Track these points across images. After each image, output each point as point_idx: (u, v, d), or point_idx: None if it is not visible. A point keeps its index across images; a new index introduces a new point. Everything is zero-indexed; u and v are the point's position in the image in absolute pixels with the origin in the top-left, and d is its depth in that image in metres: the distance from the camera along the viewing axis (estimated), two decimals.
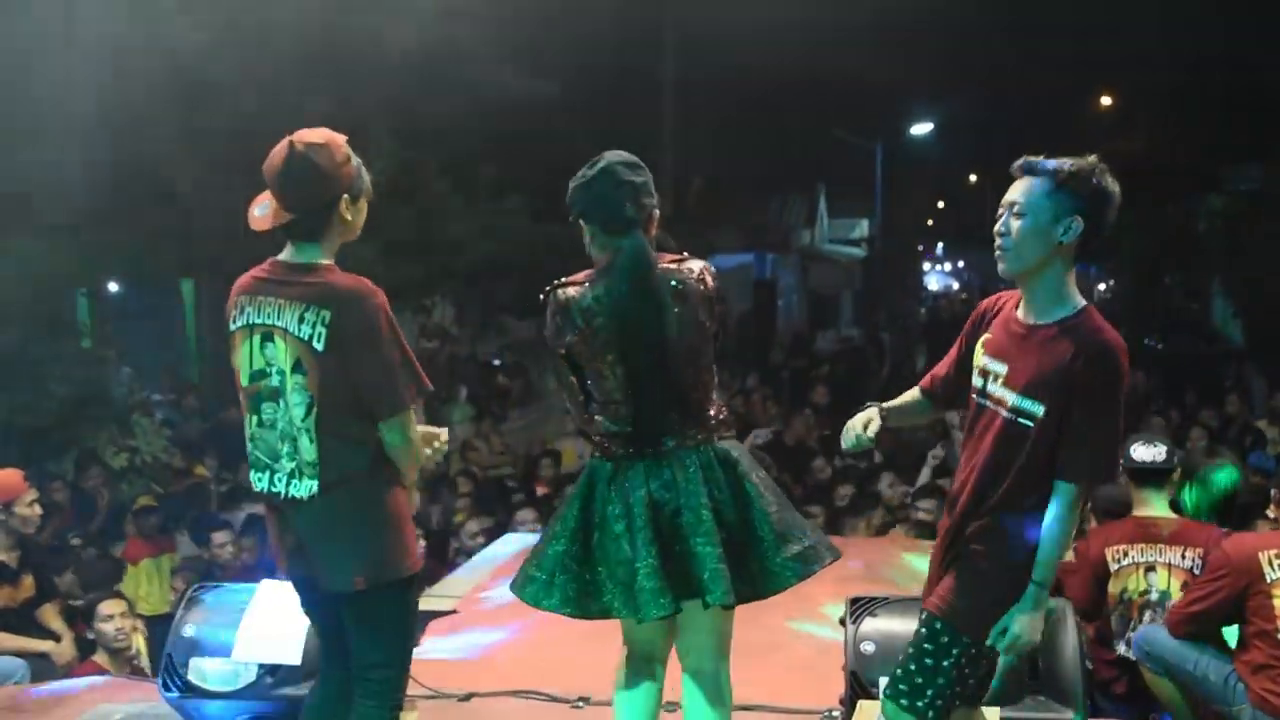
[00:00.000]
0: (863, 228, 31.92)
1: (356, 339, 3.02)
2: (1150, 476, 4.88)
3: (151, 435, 9.08)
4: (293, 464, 3.11)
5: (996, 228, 2.90)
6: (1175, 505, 5.03)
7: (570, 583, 3.05)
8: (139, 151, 11.26)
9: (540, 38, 13.19)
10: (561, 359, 3.11)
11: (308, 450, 3.09)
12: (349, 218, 3.17)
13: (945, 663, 2.91)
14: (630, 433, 3.03)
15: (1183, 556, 4.72)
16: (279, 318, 3.12)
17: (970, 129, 20.98)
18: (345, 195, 3.14)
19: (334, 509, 3.10)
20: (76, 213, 11.38)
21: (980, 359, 3.01)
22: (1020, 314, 2.95)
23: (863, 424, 3.20)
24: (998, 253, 2.90)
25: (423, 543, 7.14)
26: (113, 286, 14.74)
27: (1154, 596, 4.74)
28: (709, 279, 3.08)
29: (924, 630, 2.98)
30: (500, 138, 12.84)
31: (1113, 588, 4.83)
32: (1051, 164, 2.84)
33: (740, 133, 19.80)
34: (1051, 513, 2.82)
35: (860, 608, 4.10)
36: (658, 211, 3.13)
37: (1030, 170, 2.87)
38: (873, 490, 8.25)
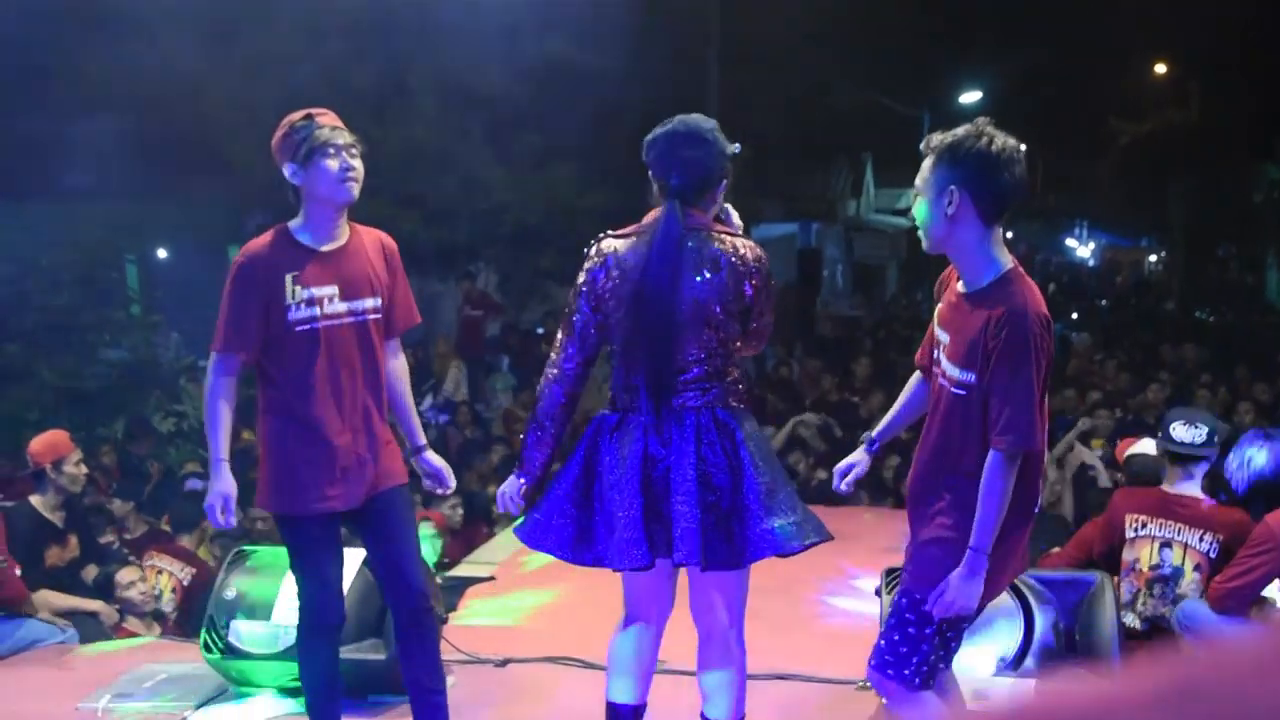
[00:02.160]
0: (909, 198, 31.60)
1: None
2: (1186, 457, 4.82)
3: (198, 401, 9.16)
4: None
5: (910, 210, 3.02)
6: (1212, 483, 4.95)
7: (567, 527, 3.10)
8: (190, 120, 11.39)
9: (586, 6, 13.13)
10: (587, 303, 3.14)
11: None
12: (296, 181, 3.38)
13: (927, 630, 2.91)
14: (638, 387, 3.08)
15: (1201, 539, 4.64)
16: None
17: (1019, 98, 20.64)
18: (288, 164, 3.38)
19: None
20: (126, 181, 11.54)
21: (935, 330, 3.06)
22: (958, 285, 2.97)
23: (841, 475, 3.31)
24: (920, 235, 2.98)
25: (460, 511, 7.21)
26: (161, 253, 14.94)
27: (1166, 571, 4.67)
28: (750, 255, 3.09)
29: (904, 601, 2.98)
30: (545, 106, 12.82)
31: (1126, 554, 4.78)
32: (934, 138, 2.90)
33: (786, 101, 19.62)
34: (984, 479, 2.80)
35: (895, 578, 4.09)
36: (727, 181, 3.18)
37: (925, 149, 2.93)
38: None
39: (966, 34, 19.89)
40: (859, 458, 3.34)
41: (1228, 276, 25.47)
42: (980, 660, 3.99)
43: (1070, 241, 39.75)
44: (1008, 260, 2.88)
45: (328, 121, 3.38)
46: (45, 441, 5.68)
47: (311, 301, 3.33)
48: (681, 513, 2.96)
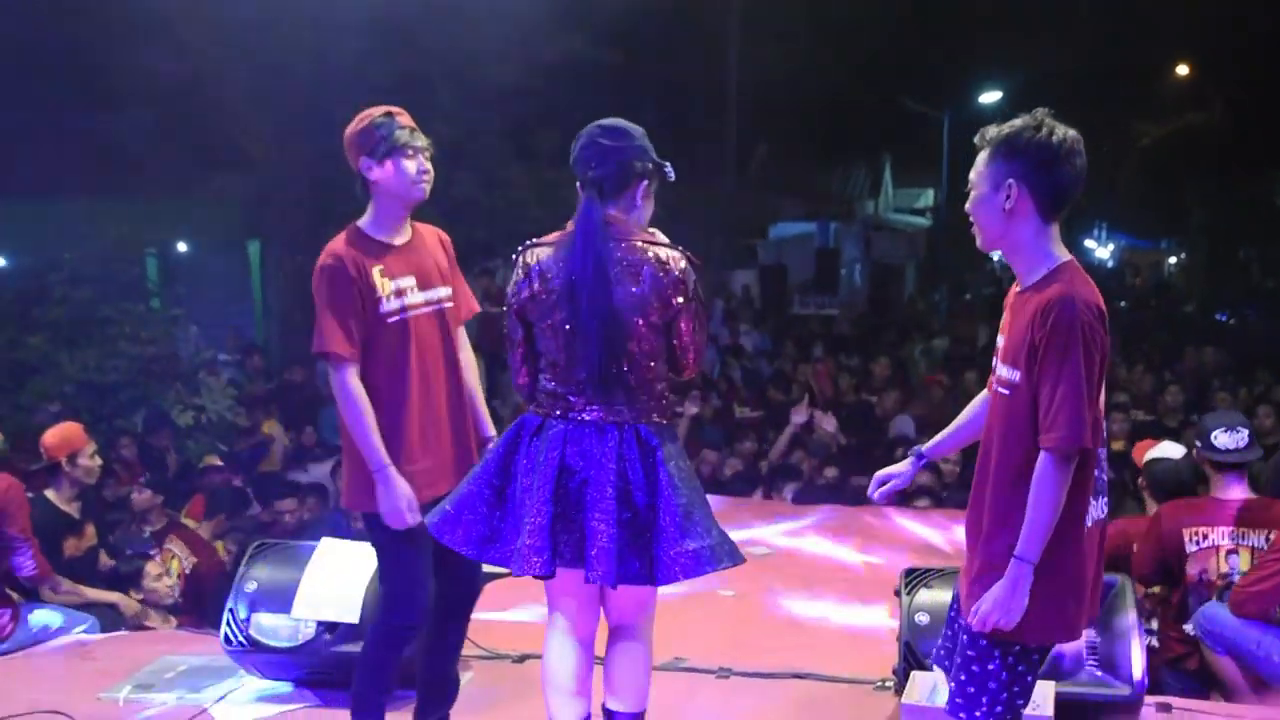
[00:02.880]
0: (928, 197, 31.54)
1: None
2: (1231, 464, 4.78)
3: (218, 394, 9.21)
4: None
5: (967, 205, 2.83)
6: (1254, 483, 4.93)
7: (476, 524, 3.06)
8: (209, 116, 11.44)
9: (608, 4, 13.13)
10: (515, 317, 3.12)
11: None
12: (373, 176, 3.40)
13: (991, 665, 2.72)
14: (562, 395, 3.03)
15: (1266, 539, 4.60)
16: None
17: (1039, 99, 20.48)
18: (364, 157, 3.39)
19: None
20: (147, 176, 11.61)
21: (998, 340, 2.90)
22: (1016, 287, 2.83)
23: (879, 484, 3.17)
24: (974, 231, 2.83)
25: None
26: (181, 247, 15.00)
27: (1236, 579, 4.63)
28: (674, 267, 3.00)
29: (964, 638, 2.78)
30: (563, 103, 12.82)
31: (1190, 569, 4.72)
32: (992, 131, 2.74)
33: (806, 100, 19.58)
34: (1033, 484, 2.60)
35: (915, 579, 4.09)
36: (647, 183, 3.11)
37: (981, 141, 2.77)
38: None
39: (987, 34, 19.80)
40: (902, 469, 3.17)
41: (1248, 279, 25.30)
42: None
43: (1089, 243, 39.63)
44: (1064, 254, 2.72)
45: (406, 122, 3.44)
46: (60, 435, 5.70)
47: (399, 293, 3.40)
48: (597, 529, 2.91)
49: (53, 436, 5.70)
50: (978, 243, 2.82)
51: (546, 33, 11.78)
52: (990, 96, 24.12)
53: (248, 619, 4.17)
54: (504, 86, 12.05)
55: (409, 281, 3.43)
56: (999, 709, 2.72)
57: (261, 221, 13.36)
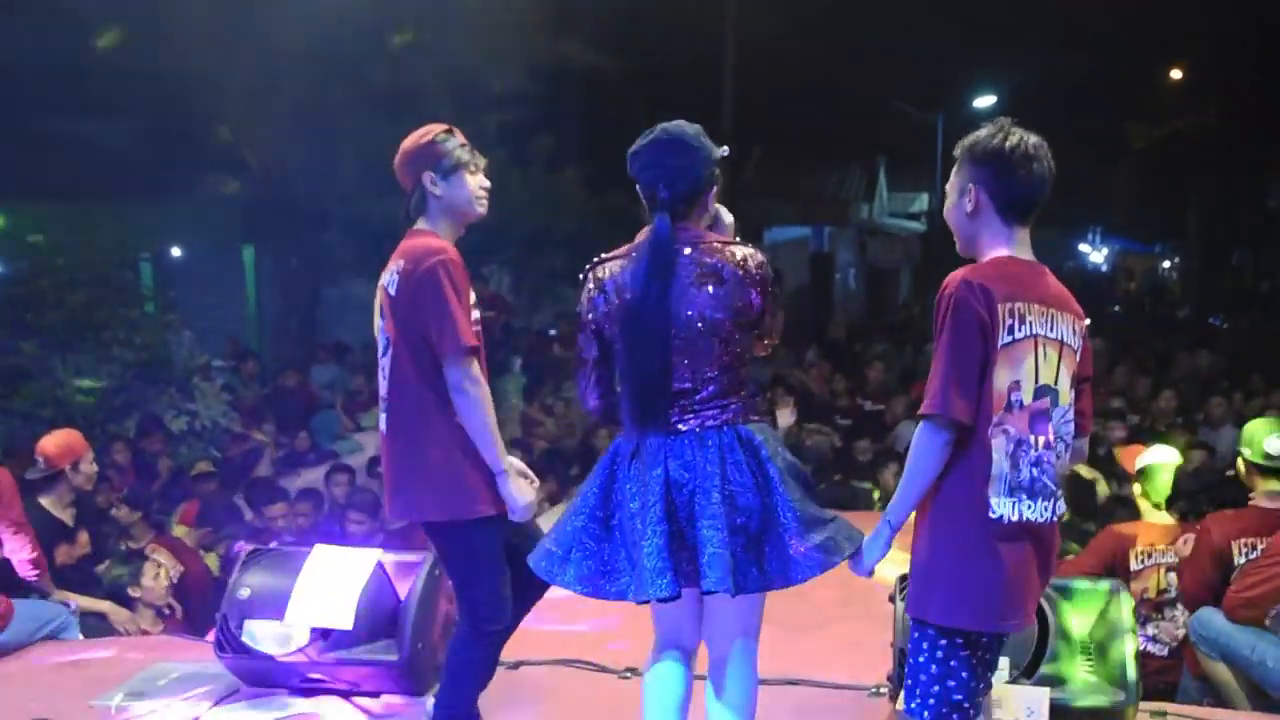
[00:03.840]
0: (923, 201, 31.51)
1: (416, 287, 3.33)
2: (1272, 470, 4.68)
3: (211, 400, 9.21)
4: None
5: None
6: None
7: (585, 560, 2.98)
8: (205, 121, 11.44)
9: (601, 9, 13.15)
10: (592, 334, 3.08)
11: (381, 387, 3.47)
12: (437, 191, 3.43)
13: (921, 659, 2.78)
14: (650, 410, 2.96)
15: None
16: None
17: (1034, 103, 20.57)
18: (429, 172, 3.42)
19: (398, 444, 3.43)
20: (141, 180, 11.60)
21: None
22: None
23: None
24: None
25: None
26: (176, 252, 14.98)
27: None
28: (752, 264, 2.98)
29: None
30: (558, 109, 12.84)
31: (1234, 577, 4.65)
32: (961, 140, 2.86)
33: (800, 104, 19.60)
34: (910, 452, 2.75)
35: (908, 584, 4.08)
36: (715, 187, 3.10)
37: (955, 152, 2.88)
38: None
39: (982, 37, 19.82)
40: None
41: (1242, 284, 25.35)
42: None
43: (1084, 247, 39.70)
44: (998, 252, 2.80)
45: (463, 140, 3.50)
46: (61, 443, 5.64)
47: (476, 303, 3.44)
48: (708, 538, 2.83)
49: (54, 445, 5.62)
50: (957, 247, 2.90)
51: (540, 38, 11.80)
52: (985, 101, 24.14)
53: (240, 625, 4.16)
54: (499, 91, 12.06)
55: (472, 295, 3.47)
56: (931, 701, 2.75)
57: (256, 226, 13.36)
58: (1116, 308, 25.92)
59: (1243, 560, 4.61)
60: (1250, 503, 4.78)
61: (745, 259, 2.98)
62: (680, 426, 2.96)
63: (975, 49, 20.49)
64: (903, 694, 2.85)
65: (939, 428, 2.66)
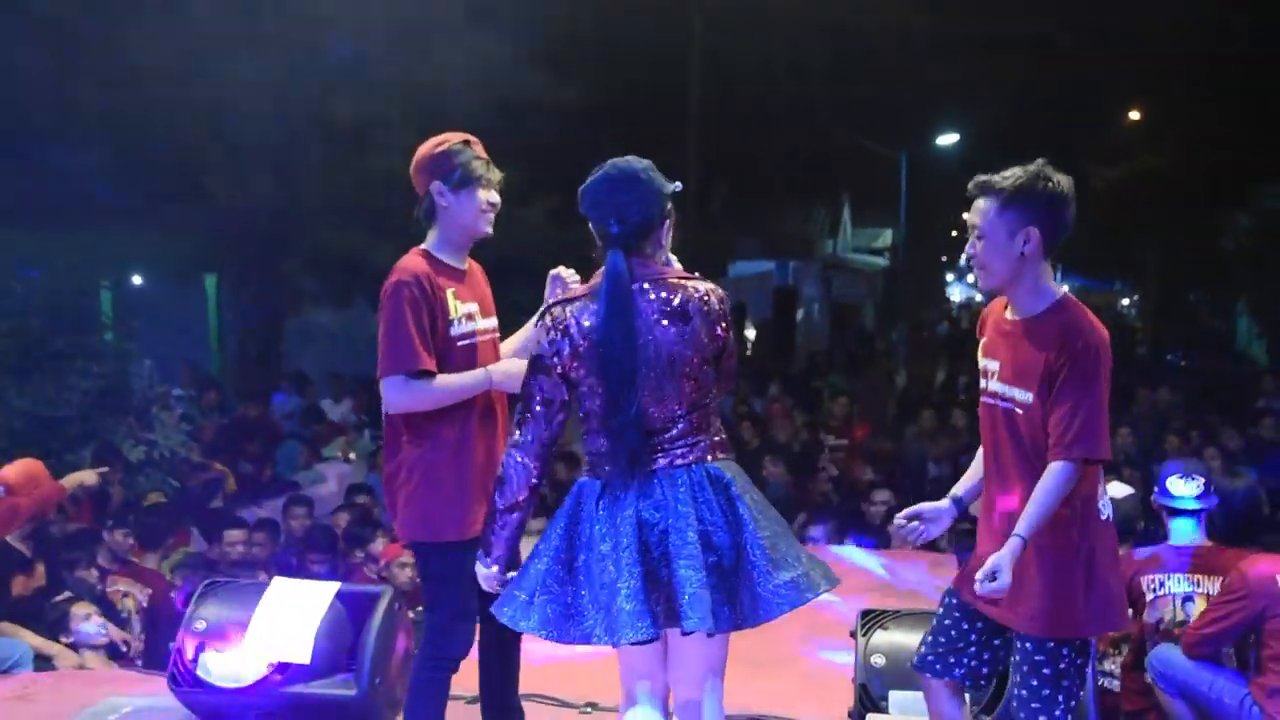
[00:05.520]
0: (886, 237, 31.85)
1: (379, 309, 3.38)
2: (1186, 511, 4.80)
3: (170, 429, 9.09)
4: None
5: (966, 250, 3.09)
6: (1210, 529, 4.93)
7: (550, 603, 2.93)
8: (167, 148, 11.37)
9: (569, 41, 13.20)
10: (559, 377, 3.00)
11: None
12: (444, 203, 3.43)
13: (1062, 666, 2.96)
14: (618, 451, 2.93)
15: (1222, 586, 4.62)
16: None
17: (996, 140, 20.84)
18: (438, 181, 3.43)
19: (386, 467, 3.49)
20: (102, 207, 11.49)
21: (981, 362, 3.16)
22: (1007, 314, 3.11)
23: (908, 517, 3.22)
24: (975, 272, 3.09)
25: None
26: (137, 280, 14.86)
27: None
28: (714, 299, 2.97)
29: (1029, 645, 3.00)
30: (525, 140, 12.83)
31: (1148, 616, 4.77)
32: (998, 181, 3.00)
33: (765, 140, 19.74)
34: (1043, 483, 2.88)
35: (871, 621, 4.09)
36: (669, 222, 3.06)
37: (983, 191, 3.02)
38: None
39: (943, 77, 20.07)
40: (939, 516, 3.24)
41: (1199, 321, 25.66)
42: None
43: None
44: (1060, 288, 3.05)
45: (482, 154, 3.49)
46: (23, 473, 5.54)
47: (469, 316, 3.43)
48: (687, 578, 2.80)
49: (15, 475, 5.52)
50: (982, 283, 3.10)
51: (508, 70, 11.82)
52: (947, 139, 24.43)
53: (195, 658, 4.09)
54: (465, 123, 12.06)
55: (474, 308, 3.47)
56: (1074, 704, 3.00)
57: (219, 255, 13.27)
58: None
59: (1151, 595, 4.74)
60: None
61: (708, 294, 2.97)
62: (650, 466, 2.93)
63: (937, 88, 20.77)
64: (1035, 712, 2.97)
65: (1085, 468, 2.89)
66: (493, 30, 11.84)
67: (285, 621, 4.09)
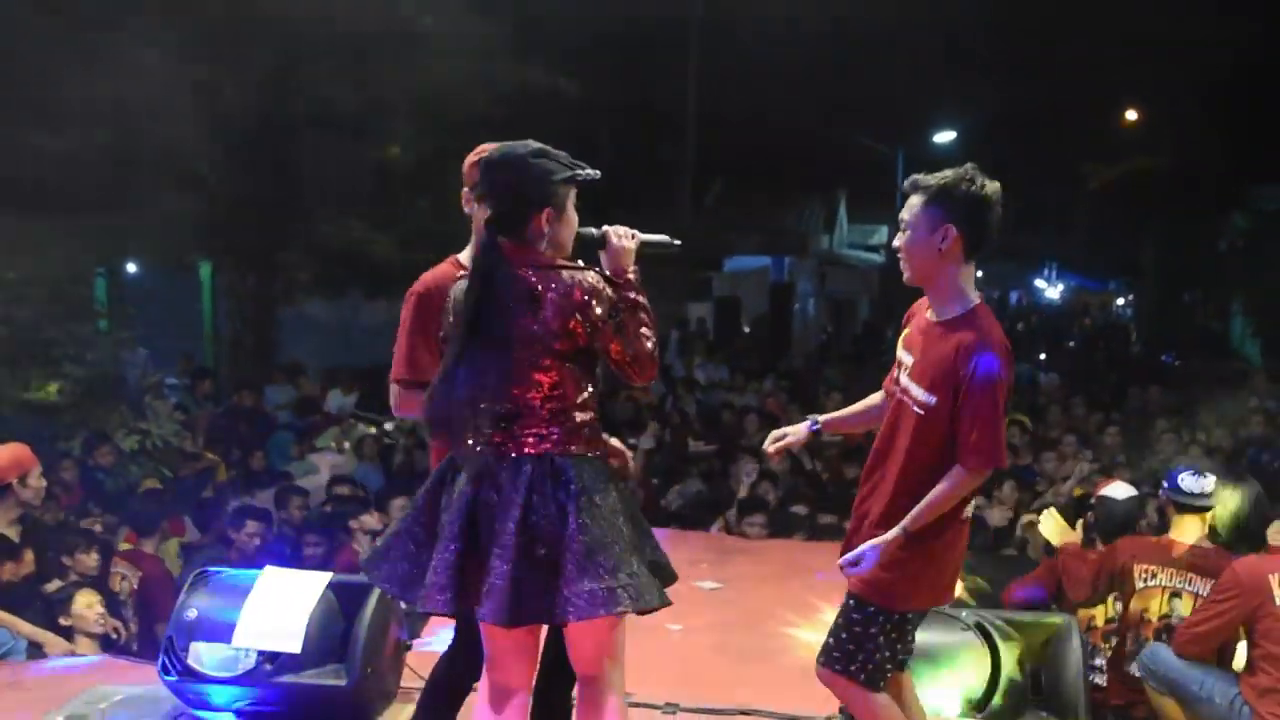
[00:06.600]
0: (882, 234, 31.78)
1: None
2: (1194, 507, 4.83)
3: (164, 418, 9.08)
4: None
5: (894, 241, 3.24)
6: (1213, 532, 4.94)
7: (401, 561, 2.99)
8: (160, 135, 11.33)
9: (568, 34, 13.18)
10: (445, 346, 3.08)
11: None
12: (468, 211, 3.48)
13: (872, 630, 3.17)
14: (473, 428, 2.95)
15: (1209, 587, 4.64)
16: None
17: (992, 138, 20.88)
18: (465, 189, 3.47)
19: None
20: (97, 194, 11.45)
21: (899, 352, 3.30)
22: (929, 314, 3.23)
23: (774, 440, 3.52)
24: (901, 264, 3.22)
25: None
26: (131, 268, 14.81)
27: (1175, 622, 4.68)
28: (583, 293, 2.88)
29: (850, 601, 3.23)
30: (523, 131, 12.82)
31: (1134, 605, 4.80)
32: (925, 180, 3.13)
33: (761, 136, 19.74)
34: (940, 485, 3.06)
35: None
36: (551, 210, 2.97)
37: (914, 188, 3.16)
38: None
39: (940, 75, 20.09)
40: (798, 431, 3.53)
41: (1194, 321, 25.70)
42: (946, 700, 3.97)
43: (1040, 282, 40.18)
44: (976, 296, 3.17)
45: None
46: (8, 456, 5.56)
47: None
48: (493, 567, 2.81)
49: (1, 457, 5.55)
50: (905, 276, 3.22)
51: (506, 62, 11.81)
52: (944, 136, 24.43)
53: (186, 648, 4.09)
54: (463, 115, 12.06)
55: None
56: (871, 667, 3.21)
57: (214, 243, 13.25)
58: (1072, 344, 26.20)
59: (1141, 585, 4.78)
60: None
61: (572, 287, 2.89)
62: (501, 448, 2.92)
63: (934, 86, 20.77)
64: (836, 659, 3.23)
65: (984, 476, 3.09)
66: (492, 21, 11.82)
67: (276, 611, 4.09)
